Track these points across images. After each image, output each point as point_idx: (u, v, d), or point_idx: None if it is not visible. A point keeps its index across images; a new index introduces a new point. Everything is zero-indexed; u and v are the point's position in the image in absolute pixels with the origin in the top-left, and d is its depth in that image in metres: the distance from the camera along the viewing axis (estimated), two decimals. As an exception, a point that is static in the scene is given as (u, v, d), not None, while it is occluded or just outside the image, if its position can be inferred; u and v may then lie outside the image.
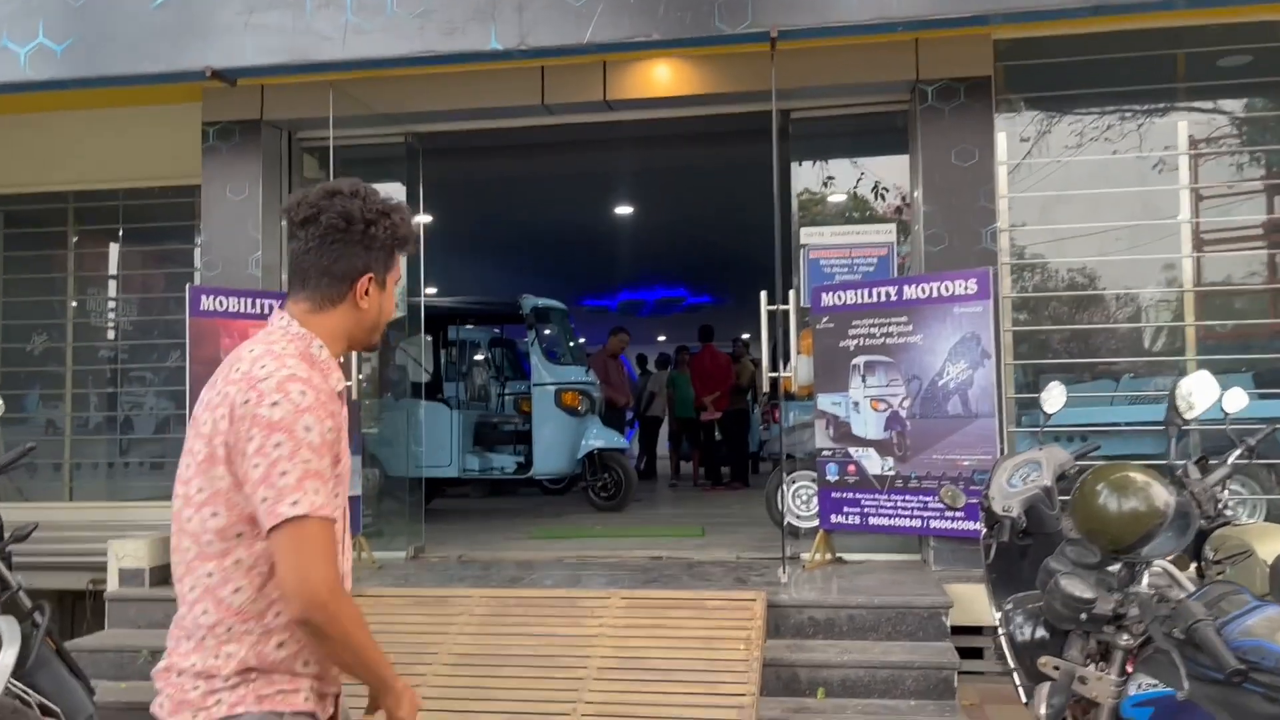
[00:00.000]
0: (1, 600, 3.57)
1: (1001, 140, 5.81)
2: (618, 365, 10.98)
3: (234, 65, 5.44)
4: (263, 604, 1.70)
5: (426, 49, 5.20)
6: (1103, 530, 2.34)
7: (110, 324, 7.76)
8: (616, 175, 9.07)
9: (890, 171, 6.35)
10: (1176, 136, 5.85)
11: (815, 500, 6.70)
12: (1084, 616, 2.24)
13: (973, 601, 5.10)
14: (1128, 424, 5.95)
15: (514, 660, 4.44)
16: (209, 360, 5.63)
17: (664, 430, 13.00)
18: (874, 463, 5.68)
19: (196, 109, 6.54)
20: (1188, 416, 3.52)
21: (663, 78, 6.10)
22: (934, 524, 5.50)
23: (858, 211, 6.36)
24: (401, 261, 1.90)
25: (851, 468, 5.77)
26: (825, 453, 5.84)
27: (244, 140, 6.47)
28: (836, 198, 6.46)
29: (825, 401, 5.85)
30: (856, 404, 5.75)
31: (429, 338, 9.39)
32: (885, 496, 5.65)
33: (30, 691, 3.58)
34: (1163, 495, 2.29)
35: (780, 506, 6.97)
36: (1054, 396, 4.15)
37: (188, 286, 5.62)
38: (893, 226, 6.11)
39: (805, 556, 5.83)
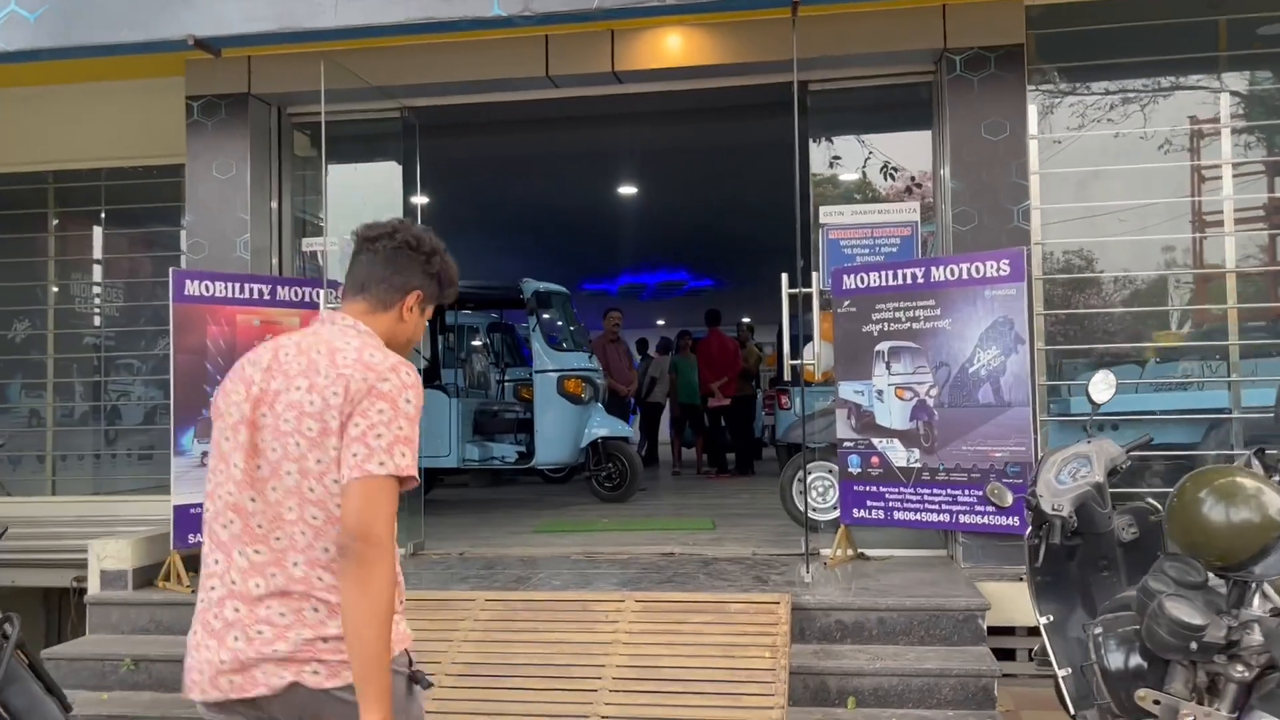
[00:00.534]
0: None
1: (1033, 113, 5.48)
2: (617, 349, 10.55)
3: (218, 34, 5.08)
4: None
5: (424, 15, 4.84)
6: (1208, 545, 2.05)
7: (95, 310, 7.43)
8: (621, 153, 8.72)
9: (914, 147, 6.02)
10: (1218, 108, 5.53)
11: (833, 493, 6.43)
12: (1193, 645, 1.95)
13: (1005, 601, 4.83)
14: (1164, 412, 5.66)
15: (523, 670, 4.14)
16: (194, 349, 5.31)
17: (665, 416, 12.72)
18: (899, 454, 5.38)
19: (180, 83, 6.19)
20: None
21: (674, 47, 5.76)
22: (963, 519, 5.20)
23: (881, 188, 6.03)
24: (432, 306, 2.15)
25: (875, 460, 5.47)
26: (847, 444, 5.54)
27: (230, 115, 6.12)
28: (857, 175, 6.12)
29: (847, 390, 5.55)
30: (880, 392, 5.45)
31: (426, 323, 9.05)
32: (911, 490, 5.36)
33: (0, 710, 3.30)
34: (1278, 504, 1.99)
35: (795, 498, 6.71)
36: (1103, 385, 3.84)
37: (170, 270, 5.28)
38: (917, 205, 5.79)
39: (826, 553, 5.54)
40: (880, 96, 6.06)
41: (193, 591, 5.17)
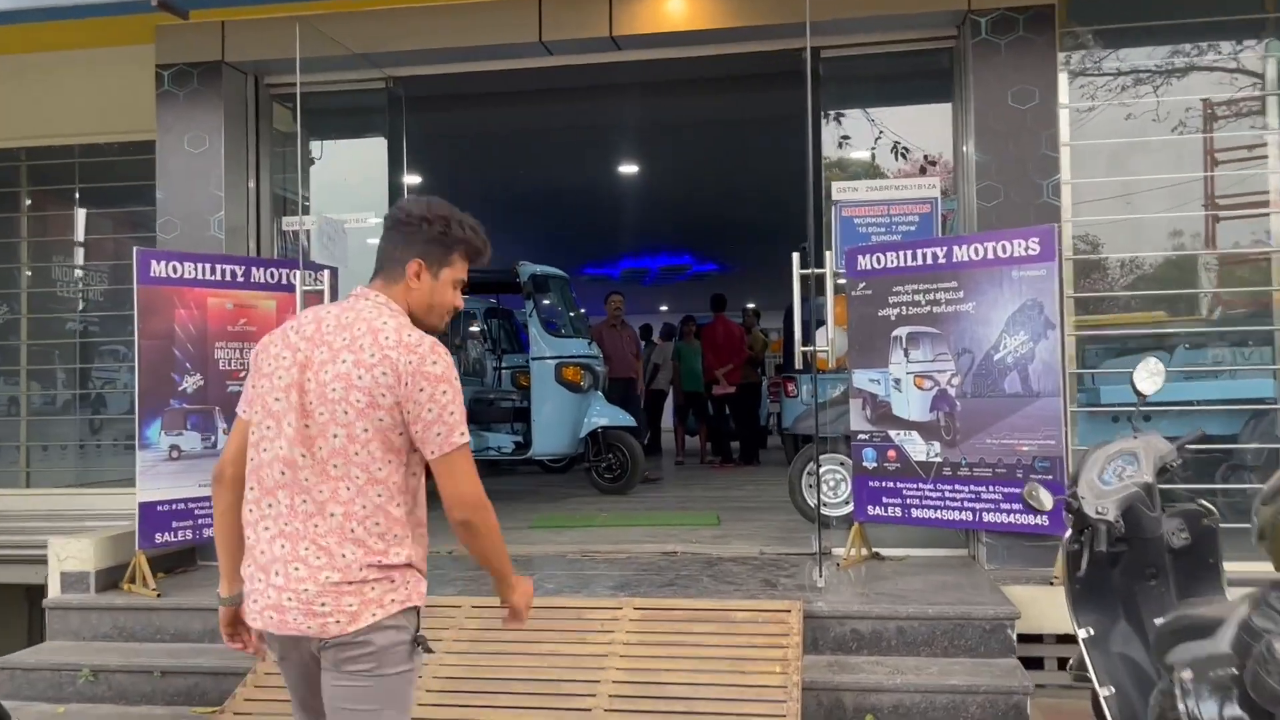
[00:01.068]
0: None
1: (1063, 80, 5.07)
2: (619, 335, 9.97)
3: (183, -7, 4.71)
4: (418, 514, 2.19)
5: (406, -29, 4.46)
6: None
7: (72, 293, 7.06)
8: (621, 128, 8.31)
9: (933, 119, 5.63)
10: (1265, 75, 5.12)
11: (844, 487, 6.07)
12: (1313, 698, 1.60)
13: (1032, 606, 4.47)
14: (1201, 402, 5.28)
15: (512, 686, 3.79)
16: (161, 334, 4.95)
17: (668, 404, 12.36)
18: (918, 447, 5.01)
19: (153, 52, 5.81)
20: None
21: (677, 10, 5.36)
22: (988, 517, 4.84)
23: (894, 166, 5.64)
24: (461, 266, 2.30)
25: (892, 453, 5.10)
26: (861, 436, 5.17)
27: (203, 85, 5.73)
28: (872, 149, 5.72)
29: (861, 378, 5.17)
30: (898, 381, 5.07)
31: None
32: (930, 486, 4.99)
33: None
34: None
35: (805, 493, 6.35)
36: (1150, 375, 3.46)
37: (135, 250, 4.91)
38: (936, 180, 5.40)
39: (839, 552, 5.18)
40: (897, 64, 5.65)
41: (159, 596, 4.86)
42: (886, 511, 5.12)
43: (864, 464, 5.17)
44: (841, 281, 4.98)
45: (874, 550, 5.26)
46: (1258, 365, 5.21)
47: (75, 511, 6.39)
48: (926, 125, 5.82)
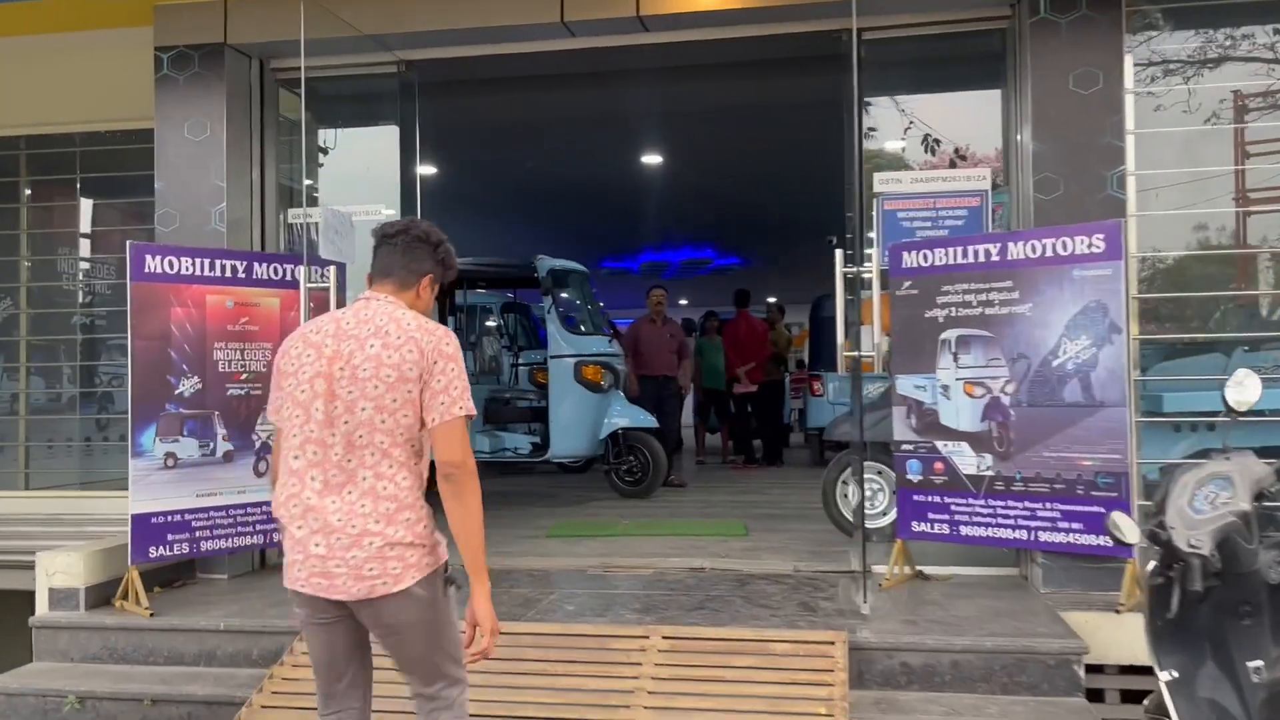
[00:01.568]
0: None
1: (1130, 62, 4.67)
2: (658, 331, 9.23)
3: (179, -32, 4.38)
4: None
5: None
6: None
7: (72, 286, 6.77)
8: (645, 116, 7.93)
9: (982, 106, 5.25)
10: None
11: (882, 498, 5.71)
12: None
13: (1093, 633, 4.10)
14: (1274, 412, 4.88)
15: (529, 725, 3.45)
16: (156, 334, 4.64)
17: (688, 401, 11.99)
18: (968, 460, 4.65)
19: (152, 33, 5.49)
20: None
21: (709, -13, 4.99)
22: (1044, 536, 4.47)
23: (939, 153, 5.26)
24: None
25: (939, 465, 4.73)
26: (906, 446, 4.81)
27: (205, 69, 5.40)
28: (914, 137, 5.34)
29: (906, 384, 4.81)
30: (946, 388, 4.70)
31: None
32: (981, 501, 4.63)
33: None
34: None
35: (839, 503, 5.98)
36: (1246, 388, 3.08)
37: (128, 244, 4.59)
38: (986, 171, 5.01)
39: (879, 570, 4.83)
40: (943, 47, 5.26)
41: (152, 615, 4.56)
42: (933, 528, 4.76)
43: (908, 476, 4.80)
44: (868, 277, 4.57)
45: (917, 569, 4.90)
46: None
47: (77, 515, 6.09)
48: (974, 112, 5.46)
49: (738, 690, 3.53)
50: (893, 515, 5.71)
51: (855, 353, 4.23)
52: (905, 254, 4.81)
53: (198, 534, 4.69)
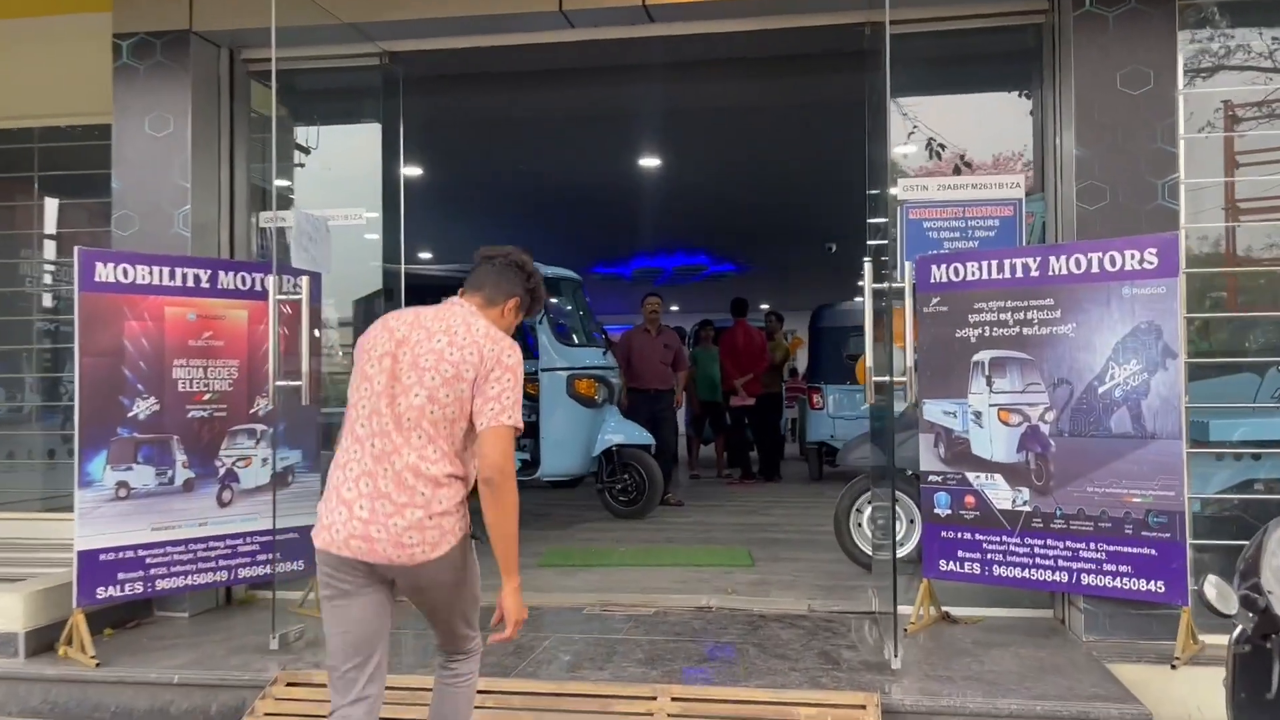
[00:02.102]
0: None
1: (1182, 61, 4.28)
2: (652, 341, 8.83)
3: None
4: (470, 470, 2.61)
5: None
6: None
7: (34, 291, 6.29)
8: (641, 116, 7.48)
9: (1014, 108, 4.87)
10: None
11: (900, 528, 5.32)
12: None
13: (1144, 689, 3.71)
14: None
15: (522, 807, 3.02)
16: (107, 350, 4.18)
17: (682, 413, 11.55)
18: (1002, 494, 4.25)
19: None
20: None
21: (724, -25, 4.58)
22: (1086, 579, 4.07)
23: (974, 159, 4.86)
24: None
25: (970, 499, 4.33)
26: (933, 478, 4.40)
27: (168, 58, 4.94)
28: (940, 141, 4.94)
29: (934, 410, 4.41)
30: (978, 415, 4.30)
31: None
32: (1017, 539, 4.23)
33: None
34: None
35: (853, 533, 5.58)
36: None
37: (76, 250, 4.13)
38: (1020, 179, 4.61)
39: (903, 611, 4.41)
40: (974, 43, 4.86)
41: (99, 665, 4.09)
42: (962, 568, 4.36)
43: (936, 510, 4.40)
44: (879, 287, 4.15)
45: (944, 610, 4.49)
46: None
47: (31, 541, 5.60)
48: (991, 115, 5.09)
49: (760, 766, 3.11)
50: (910, 545, 5.32)
51: (886, 378, 3.80)
52: (934, 268, 4.41)
53: (153, 572, 4.23)
